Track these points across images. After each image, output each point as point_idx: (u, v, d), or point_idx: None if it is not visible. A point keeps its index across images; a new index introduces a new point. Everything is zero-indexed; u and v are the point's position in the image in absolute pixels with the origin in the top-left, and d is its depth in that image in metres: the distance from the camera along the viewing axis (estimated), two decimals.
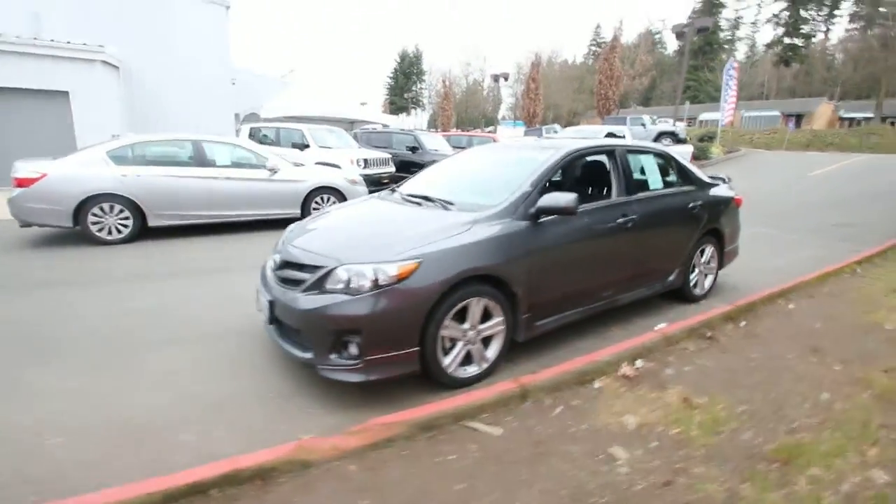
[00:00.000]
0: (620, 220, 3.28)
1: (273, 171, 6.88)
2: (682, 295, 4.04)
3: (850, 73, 44.27)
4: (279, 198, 6.99)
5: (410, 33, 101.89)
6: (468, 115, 52.58)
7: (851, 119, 37.99)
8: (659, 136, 12.70)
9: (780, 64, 46.43)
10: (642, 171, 3.82)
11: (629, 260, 3.43)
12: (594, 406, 2.44)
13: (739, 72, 20.62)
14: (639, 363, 2.86)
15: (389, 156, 10.60)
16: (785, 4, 44.80)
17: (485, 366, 2.71)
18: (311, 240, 2.84)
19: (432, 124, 53.71)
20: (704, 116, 36.81)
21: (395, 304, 2.33)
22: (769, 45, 49.07)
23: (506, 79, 27.80)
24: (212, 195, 6.45)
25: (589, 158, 3.71)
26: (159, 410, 2.37)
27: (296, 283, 2.59)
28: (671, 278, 3.83)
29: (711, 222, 4.05)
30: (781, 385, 2.66)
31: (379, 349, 2.35)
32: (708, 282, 4.25)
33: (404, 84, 61.47)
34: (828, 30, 52.02)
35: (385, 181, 9.47)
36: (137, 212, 5.97)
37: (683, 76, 22.63)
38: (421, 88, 61.01)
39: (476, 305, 2.59)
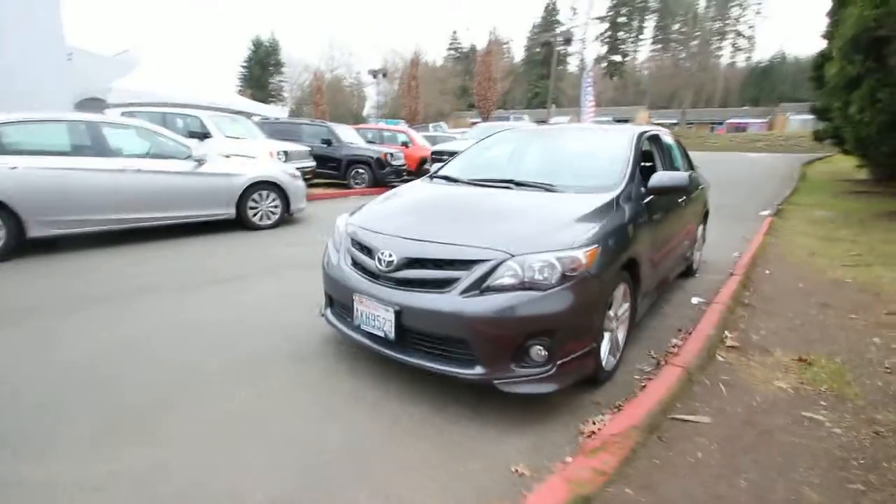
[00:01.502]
0: (681, 199, 3.44)
1: (199, 162, 5.62)
2: (686, 271, 4.43)
3: (656, 87, 54.54)
4: (208, 195, 5.75)
5: (264, 21, 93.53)
6: (336, 111, 50.45)
7: (661, 124, 46.92)
8: None
9: (606, 76, 55.03)
10: (672, 156, 4.07)
11: (683, 237, 3.63)
12: (742, 379, 2.50)
13: (594, 81, 23.69)
14: (731, 332, 3.03)
15: (309, 149, 9.55)
16: (607, 26, 53.34)
17: (618, 355, 2.57)
18: (436, 232, 2.33)
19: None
20: (557, 119, 41.60)
21: (584, 296, 2.05)
22: (597, 60, 57.60)
23: (384, 75, 27.38)
24: (118, 194, 5.00)
25: (648, 141, 3.76)
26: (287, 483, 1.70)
27: (438, 283, 2.11)
28: (688, 254, 4.17)
29: (706, 203, 4.52)
30: (838, 335, 3.07)
31: (568, 350, 2.04)
32: (697, 257, 4.75)
33: (260, 74, 56.37)
34: (636, 50, 63.14)
35: (308, 177, 8.50)
36: (11, 218, 4.31)
37: (552, 82, 25.08)
38: (281, 81, 56.62)
39: (618, 290, 2.44)
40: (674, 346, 2.87)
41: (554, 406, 2.22)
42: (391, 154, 11.09)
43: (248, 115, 14.70)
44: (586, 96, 22.61)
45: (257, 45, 55.83)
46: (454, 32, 66.26)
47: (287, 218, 6.82)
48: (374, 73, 27.97)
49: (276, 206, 6.46)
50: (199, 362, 2.59)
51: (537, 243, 2.09)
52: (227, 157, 6.40)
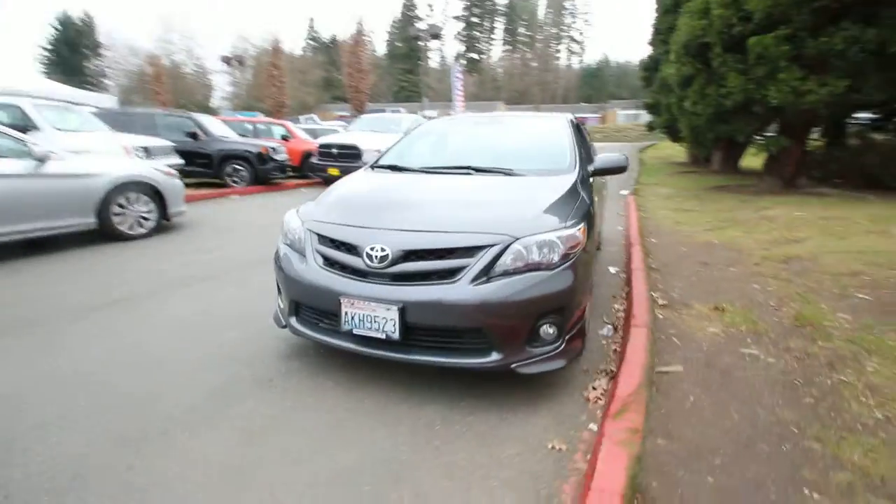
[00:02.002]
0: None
1: (41, 161, 4.48)
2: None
3: (511, 84, 59.33)
4: (56, 202, 4.63)
5: None
6: (179, 101, 44.09)
7: None
8: None
9: (466, 73, 58.06)
10: (586, 140, 4.44)
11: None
12: (684, 330, 2.88)
13: (463, 76, 24.77)
14: (655, 293, 3.48)
15: (173, 144, 8.23)
16: (464, 24, 56.20)
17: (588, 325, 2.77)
18: (426, 220, 2.20)
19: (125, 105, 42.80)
20: (427, 113, 42.67)
21: (581, 271, 2.15)
22: (457, 57, 60.37)
23: (241, 62, 24.77)
24: None
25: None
26: None
27: (441, 274, 2.01)
28: (599, 230, 4.66)
29: (605, 184, 5.08)
30: (728, 286, 3.73)
31: (571, 326, 2.13)
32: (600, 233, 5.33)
33: (69, 57, 46.65)
34: (489, 49, 67.75)
35: None
36: None
37: (423, 76, 25.36)
38: (101, 65, 47.49)
39: None
40: (621, 311, 3.18)
41: (550, 383, 2.30)
42: (273, 148, 10.19)
43: (72, 105, 12.03)
44: (456, 91, 23.55)
45: (64, 22, 45.98)
46: (312, 20, 62.97)
47: (165, 225, 5.83)
48: (228, 61, 25.15)
49: (149, 212, 5.47)
50: (143, 429, 2.05)
51: (536, 225, 2.12)
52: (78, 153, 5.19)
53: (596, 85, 66.23)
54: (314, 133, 13.55)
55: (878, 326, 2.74)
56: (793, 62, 6.57)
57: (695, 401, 2.08)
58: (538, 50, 61.26)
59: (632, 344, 2.50)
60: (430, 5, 67.65)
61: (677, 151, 17.63)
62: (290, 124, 13.19)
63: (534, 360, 2.03)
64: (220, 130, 10.03)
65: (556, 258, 2.04)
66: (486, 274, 1.99)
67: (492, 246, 2.02)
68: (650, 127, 16.26)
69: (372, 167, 3.34)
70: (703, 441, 1.79)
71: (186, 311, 3.28)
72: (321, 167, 10.68)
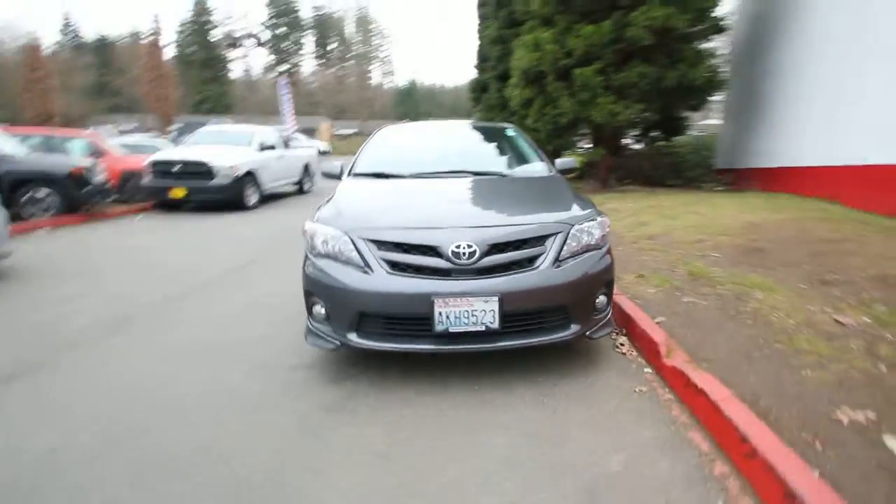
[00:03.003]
0: None
1: None
2: None
3: (330, 99, 58.64)
4: None
5: None
6: None
7: (342, 135, 51.02)
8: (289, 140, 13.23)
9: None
10: None
11: None
12: (635, 293, 3.66)
13: (289, 87, 23.57)
14: None
15: None
16: (271, 34, 53.19)
17: None
18: (491, 217, 2.38)
19: None
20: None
21: (611, 249, 2.63)
22: (267, 69, 56.82)
23: None
24: None
25: None
26: None
27: (522, 263, 2.24)
28: None
29: None
30: (632, 258, 4.78)
31: (613, 295, 2.59)
32: None
33: None
34: (301, 63, 65.74)
35: None
36: None
37: (229, 87, 23.21)
38: None
39: None
40: None
41: (579, 350, 2.71)
42: (88, 168, 8.21)
43: None
44: (285, 104, 22.38)
45: None
46: (67, 16, 50.97)
47: None
48: None
49: None
50: None
51: (579, 214, 2.52)
52: None
53: (410, 104, 70.68)
54: (140, 149, 11.29)
55: (739, 271, 3.96)
56: (606, 90, 8.52)
57: (691, 335, 2.76)
58: (352, 68, 62.30)
59: (625, 306, 3.10)
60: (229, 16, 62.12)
61: None
62: (99, 137, 10.72)
63: (597, 327, 2.42)
64: (5, 145, 7.63)
65: (600, 239, 2.48)
66: (558, 258, 2.29)
67: (557, 234, 2.34)
68: None
69: (350, 175, 3.25)
70: (716, 351, 2.45)
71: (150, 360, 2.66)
72: (158, 189, 9.12)
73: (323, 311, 2.35)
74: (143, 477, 1.73)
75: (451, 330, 2.16)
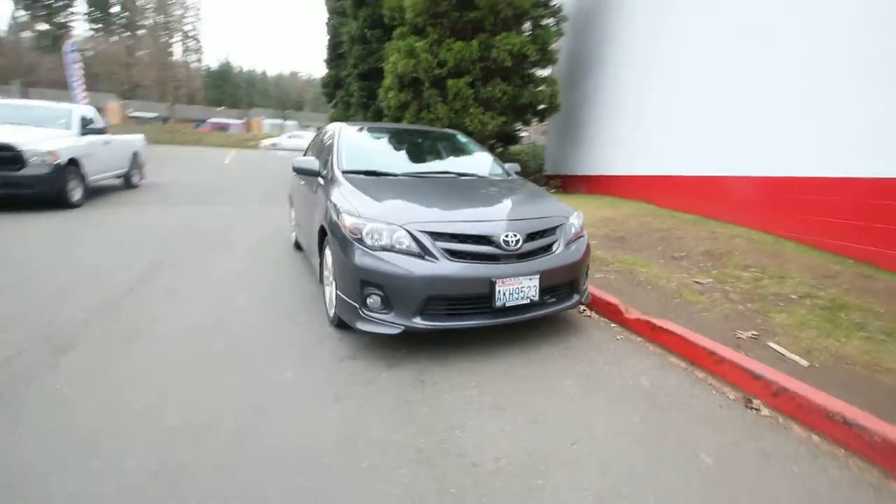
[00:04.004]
0: None
1: None
2: None
3: (118, 74, 48.04)
4: None
5: None
6: None
7: (141, 118, 42.56)
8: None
9: (39, 49, 42.53)
10: None
11: None
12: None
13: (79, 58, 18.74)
14: None
15: None
16: None
17: None
18: (518, 212, 2.89)
19: None
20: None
21: None
22: (18, 26, 43.28)
23: None
24: None
25: None
26: None
27: (544, 248, 2.84)
28: None
29: None
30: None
31: None
32: None
33: None
34: (70, 24, 52.24)
35: None
36: None
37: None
38: None
39: None
40: None
41: (552, 320, 3.46)
42: None
43: None
44: (73, 77, 17.94)
45: None
46: None
47: None
48: None
49: None
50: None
51: (567, 210, 3.21)
52: None
53: (227, 89, 63.07)
54: None
55: (617, 254, 5.28)
56: (476, 101, 9.65)
57: (621, 299, 3.77)
58: (145, 39, 52.26)
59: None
60: None
61: None
62: None
63: (585, 295, 3.16)
64: None
65: (580, 230, 3.22)
66: (565, 244, 2.95)
67: (562, 225, 2.99)
68: None
69: (343, 173, 3.33)
70: (644, 307, 3.47)
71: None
72: None
73: (379, 299, 2.50)
74: None
75: (507, 304, 2.60)
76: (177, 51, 59.27)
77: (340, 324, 2.88)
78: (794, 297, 3.66)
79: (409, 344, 2.85)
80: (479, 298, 2.59)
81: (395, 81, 10.22)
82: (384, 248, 2.52)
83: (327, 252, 2.97)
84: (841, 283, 3.89)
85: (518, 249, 2.74)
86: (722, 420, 2.25)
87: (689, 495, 1.78)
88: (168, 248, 5.25)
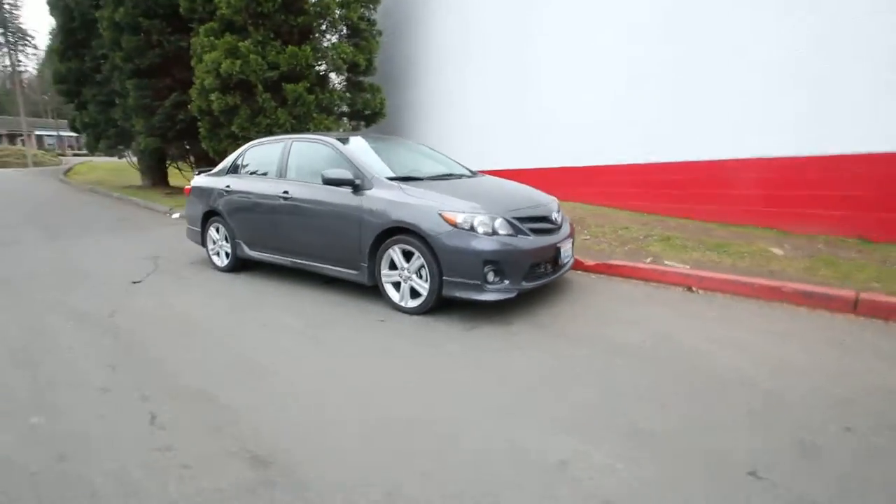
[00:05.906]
0: None
1: None
2: None
3: None
4: None
5: None
6: None
7: None
8: None
9: None
10: None
11: None
12: None
13: None
14: None
15: None
16: None
17: None
18: (538, 197, 3.92)
19: None
20: None
21: None
22: None
23: None
24: None
25: None
26: None
27: (550, 229, 3.94)
28: None
29: None
30: None
31: None
32: None
33: None
34: None
35: None
36: None
37: None
38: None
39: None
40: None
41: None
42: None
43: None
44: None
45: None
46: None
47: None
48: None
49: None
50: None
51: (547, 199, 4.37)
52: None
53: None
54: None
55: None
56: (318, 107, 9.68)
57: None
58: None
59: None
60: None
61: (116, 173, 16.20)
62: None
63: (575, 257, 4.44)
64: None
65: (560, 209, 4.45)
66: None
67: (558, 210, 4.15)
68: (92, 147, 14.14)
69: (387, 179, 3.64)
70: (578, 256, 5.05)
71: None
72: None
73: (493, 273, 3.14)
74: None
75: (565, 262, 3.61)
76: None
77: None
78: (643, 237, 5.86)
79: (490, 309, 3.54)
80: (550, 261, 3.53)
81: (215, 83, 9.23)
82: (493, 233, 3.16)
83: (391, 252, 3.34)
84: (655, 227, 6.36)
85: (560, 224, 3.81)
86: (685, 301, 3.90)
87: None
88: None
